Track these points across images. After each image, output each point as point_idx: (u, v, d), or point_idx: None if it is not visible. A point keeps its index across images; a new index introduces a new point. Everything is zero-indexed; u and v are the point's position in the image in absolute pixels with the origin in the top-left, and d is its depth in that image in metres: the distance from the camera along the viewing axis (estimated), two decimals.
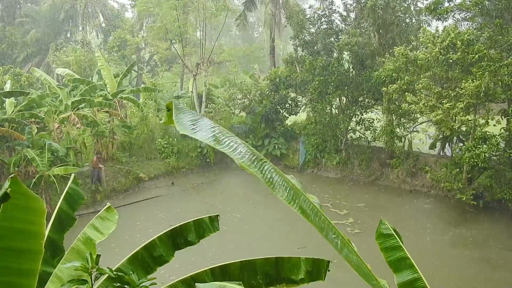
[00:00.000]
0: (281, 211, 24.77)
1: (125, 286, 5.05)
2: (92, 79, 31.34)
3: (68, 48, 44.55)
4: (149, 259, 6.38)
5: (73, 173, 7.41)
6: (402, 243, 6.43)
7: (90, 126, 26.78)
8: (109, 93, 28.27)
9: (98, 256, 6.66)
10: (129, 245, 6.52)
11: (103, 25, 54.62)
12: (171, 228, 6.75)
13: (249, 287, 4.41)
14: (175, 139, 32.60)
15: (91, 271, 4.74)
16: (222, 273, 6.16)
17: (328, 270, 6.40)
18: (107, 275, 5.10)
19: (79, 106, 26.18)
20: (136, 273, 6.06)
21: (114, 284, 5.16)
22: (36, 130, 23.87)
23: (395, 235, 6.42)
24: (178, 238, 6.70)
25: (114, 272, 5.07)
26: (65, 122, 25.35)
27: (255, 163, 3.87)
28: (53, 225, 5.97)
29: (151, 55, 52.67)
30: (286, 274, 6.30)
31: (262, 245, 20.10)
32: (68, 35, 54.32)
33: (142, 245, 6.49)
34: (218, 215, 7.15)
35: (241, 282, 4.73)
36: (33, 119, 24.72)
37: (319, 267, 6.38)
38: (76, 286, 4.84)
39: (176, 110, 3.76)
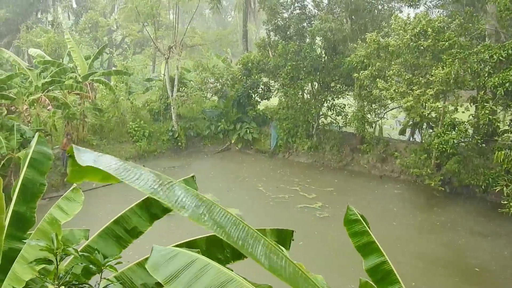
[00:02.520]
0: (248, 194, 25.07)
1: (91, 266, 5.06)
2: (63, 61, 30.92)
3: (39, 29, 43.76)
4: (122, 232, 6.28)
5: (37, 132, 7.13)
6: (369, 228, 6.58)
7: (60, 108, 26.44)
8: (79, 75, 27.95)
9: (87, 230, 6.61)
10: (102, 225, 6.48)
11: (74, 6, 53.83)
12: (143, 198, 6.69)
13: (217, 261, 4.43)
14: (147, 123, 32.43)
15: (56, 252, 4.72)
16: (188, 248, 6.16)
17: (293, 240, 6.52)
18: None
19: (50, 88, 25.80)
20: (110, 248, 6.04)
21: (80, 264, 5.16)
22: (5, 112, 23.50)
23: (362, 220, 6.57)
24: (153, 208, 6.60)
25: (80, 253, 5.07)
26: (35, 104, 24.99)
27: (162, 186, 3.99)
28: (18, 197, 5.74)
29: (123, 37, 52.13)
30: None
31: None
32: (39, 16, 53.34)
33: (112, 220, 6.42)
34: (194, 175, 7.11)
35: (199, 250, 4.76)
36: (3, 101, 24.28)
37: (284, 237, 6.48)
38: (42, 266, 4.83)
39: (78, 151, 4.00)
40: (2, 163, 21.11)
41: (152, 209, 6.52)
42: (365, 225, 6.50)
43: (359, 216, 6.60)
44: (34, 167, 6.04)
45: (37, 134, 6.64)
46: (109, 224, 6.32)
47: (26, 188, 5.84)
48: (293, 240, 6.55)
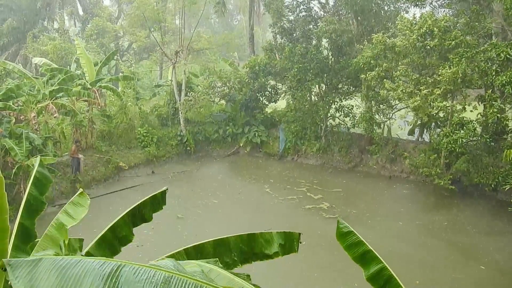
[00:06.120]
0: (254, 195, 25.18)
1: None
2: (70, 68, 31.04)
3: (45, 37, 43.96)
4: (114, 240, 6.52)
5: (39, 156, 7.38)
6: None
7: (68, 115, 26.57)
8: (87, 82, 28.04)
9: (81, 240, 6.74)
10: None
11: (81, 13, 54.06)
12: (131, 207, 6.83)
13: (224, 265, 4.46)
14: (155, 128, 32.55)
15: None
16: (196, 252, 6.25)
17: (301, 242, 6.54)
18: None
19: (57, 96, 25.90)
20: (104, 255, 6.15)
21: None
22: (14, 121, 23.61)
23: (355, 231, 6.55)
24: (136, 216, 6.80)
25: None
26: (43, 112, 25.10)
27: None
28: (24, 210, 5.95)
29: (130, 43, 52.28)
30: (260, 249, 6.43)
31: (234, 228, 20.20)
32: (45, 24, 53.51)
33: (108, 226, 6.57)
34: (166, 188, 7.26)
35: (217, 259, 4.80)
36: (9, 111, 24.37)
37: (291, 239, 6.56)
38: None
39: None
40: (13, 171, 21.26)
41: (135, 218, 6.72)
42: (358, 235, 6.50)
43: (351, 228, 6.58)
44: (36, 186, 6.30)
45: (38, 157, 6.90)
46: (105, 231, 6.45)
47: (30, 204, 6.14)
48: (301, 242, 6.59)
